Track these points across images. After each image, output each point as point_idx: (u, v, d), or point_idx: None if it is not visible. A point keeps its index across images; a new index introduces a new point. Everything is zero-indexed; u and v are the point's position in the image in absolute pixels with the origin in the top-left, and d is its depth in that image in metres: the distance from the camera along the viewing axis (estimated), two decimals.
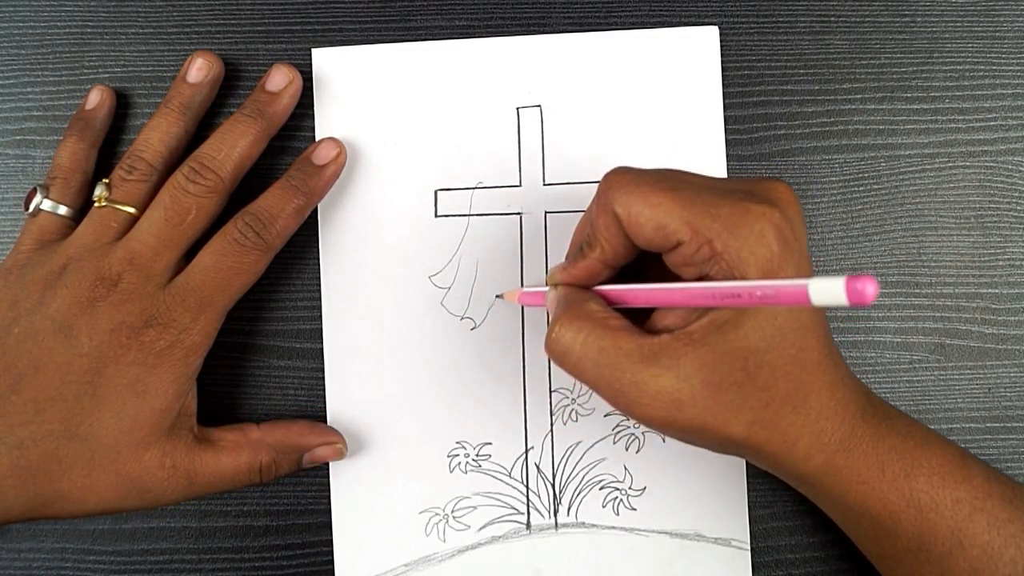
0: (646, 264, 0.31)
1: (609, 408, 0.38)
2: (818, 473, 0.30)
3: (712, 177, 0.30)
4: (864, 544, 0.33)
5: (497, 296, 0.38)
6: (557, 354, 0.29)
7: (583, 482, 0.38)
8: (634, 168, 0.29)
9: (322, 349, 0.38)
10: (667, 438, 0.37)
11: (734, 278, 0.27)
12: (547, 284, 0.33)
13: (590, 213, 0.31)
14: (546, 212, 0.38)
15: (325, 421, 0.38)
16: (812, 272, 0.29)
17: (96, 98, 0.38)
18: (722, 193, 0.28)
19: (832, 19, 0.39)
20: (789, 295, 0.24)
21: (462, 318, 0.38)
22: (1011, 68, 0.39)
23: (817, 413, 0.29)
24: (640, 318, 0.30)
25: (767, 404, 0.28)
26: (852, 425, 0.30)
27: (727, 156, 0.38)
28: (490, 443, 0.38)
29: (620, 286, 0.30)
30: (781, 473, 0.31)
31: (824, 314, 0.29)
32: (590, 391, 0.37)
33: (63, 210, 0.36)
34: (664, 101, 0.38)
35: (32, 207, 0.36)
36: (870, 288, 0.21)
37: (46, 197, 0.36)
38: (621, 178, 0.29)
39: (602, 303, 0.30)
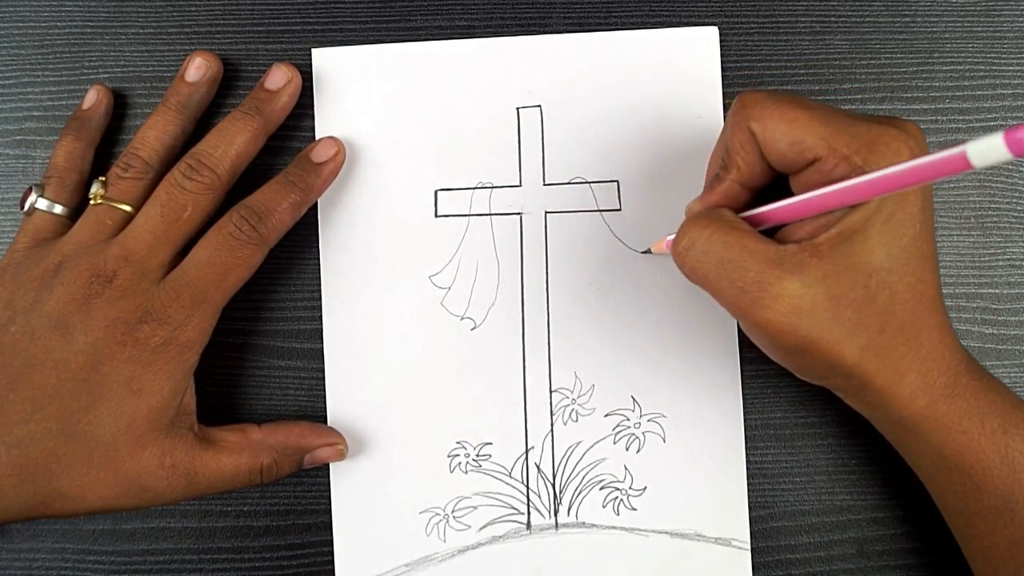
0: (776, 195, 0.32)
1: (609, 408, 0.38)
2: (919, 416, 0.30)
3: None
4: (948, 499, 0.33)
5: (643, 252, 0.37)
6: (680, 251, 0.30)
7: (583, 482, 0.37)
8: (766, 89, 0.30)
9: (322, 349, 0.38)
10: (671, 438, 0.37)
11: None
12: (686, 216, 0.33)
13: (723, 138, 0.31)
14: (546, 212, 0.38)
15: (325, 421, 0.38)
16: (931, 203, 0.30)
17: (93, 98, 0.38)
18: (855, 116, 0.29)
19: (832, 19, 0.39)
20: (948, 164, 0.24)
21: (462, 318, 0.38)
22: (1011, 68, 0.39)
23: (927, 352, 0.29)
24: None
25: (882, 330, 0.28)
26: (957, 372, 0.30)
27: None
28: (490, 443, 0.38)
29: (756, 209, 0.30)
30: (880, 414, 0.31)
31: (936, 254, 0.30)
32: (590, 391, 0.38)
33: (58, 209, 0.36)
34: (664, 101, 0.38)
35: (27, 206, 0.36)
36: None
37: (41, 196, 0.36)
38: (755, 96, 0.29)
39: (733, 213, 0.30)
